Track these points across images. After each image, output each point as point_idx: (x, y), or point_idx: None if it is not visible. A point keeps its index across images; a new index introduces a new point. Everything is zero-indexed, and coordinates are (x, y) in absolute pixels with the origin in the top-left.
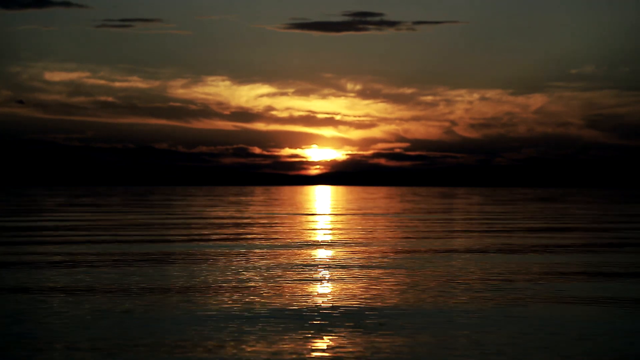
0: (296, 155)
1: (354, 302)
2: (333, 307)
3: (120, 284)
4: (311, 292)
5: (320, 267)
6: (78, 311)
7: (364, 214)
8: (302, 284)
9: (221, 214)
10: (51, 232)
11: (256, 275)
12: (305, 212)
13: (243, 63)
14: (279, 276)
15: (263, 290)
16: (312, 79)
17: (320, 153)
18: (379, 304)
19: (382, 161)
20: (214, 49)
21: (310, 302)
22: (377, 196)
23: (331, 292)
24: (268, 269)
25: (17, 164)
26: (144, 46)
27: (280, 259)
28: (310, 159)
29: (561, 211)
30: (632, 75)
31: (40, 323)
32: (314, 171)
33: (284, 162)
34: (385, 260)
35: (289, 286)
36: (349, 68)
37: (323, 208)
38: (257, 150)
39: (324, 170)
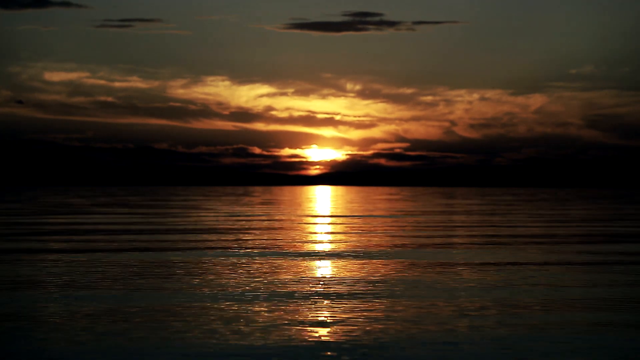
0: (296, 156)
1: (351, 321)
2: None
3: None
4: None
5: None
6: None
7: (368, 217)
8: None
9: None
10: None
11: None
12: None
13: (243, 63)
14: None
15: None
16: (311, 79)
17: (320, 153)
18: (378, 334)
19: (382, 161)
20: (214, 49)
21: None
22: (382, 197)
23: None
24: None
25: (16, 164)
26: (144, 46)
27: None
28: (310, 159)
29: None
30: (631, 75)
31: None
32: (313, 171)
33: (283, 162)
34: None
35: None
36: (349, 68)
37: (349, 211)
38: (257, 151)
39: (324, 171)
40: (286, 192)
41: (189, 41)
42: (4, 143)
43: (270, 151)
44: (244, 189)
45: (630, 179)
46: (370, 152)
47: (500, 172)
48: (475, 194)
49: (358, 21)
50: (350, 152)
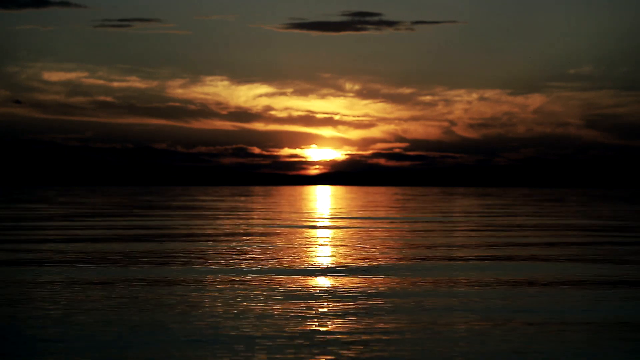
0: (295, 155)
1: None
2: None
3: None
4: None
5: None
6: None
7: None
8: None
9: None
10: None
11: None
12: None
13: (242, 63)
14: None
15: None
16: (310, 79)
17: (319, 153)
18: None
19: (382, 161)
20: (213, 49)
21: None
22: (385, 198)
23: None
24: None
25: (15, 164)
26: (143, 46)
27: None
28: (309, 159)
29: None
30: (630, 75)
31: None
32: (313, 171)
33: (283, 162)
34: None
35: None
36: (348, 68)
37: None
38: (256, 150)
39: (324, 170)
40: (307, 193)
41: (188, 41)
42: (2, 143)
43: (269, 151)
44: (248, 189)
45: (630, 179)
46: (369, 152)
47: (499, 172)
48: (474, 194)
49: (357, 21)
50: (349, 152)
